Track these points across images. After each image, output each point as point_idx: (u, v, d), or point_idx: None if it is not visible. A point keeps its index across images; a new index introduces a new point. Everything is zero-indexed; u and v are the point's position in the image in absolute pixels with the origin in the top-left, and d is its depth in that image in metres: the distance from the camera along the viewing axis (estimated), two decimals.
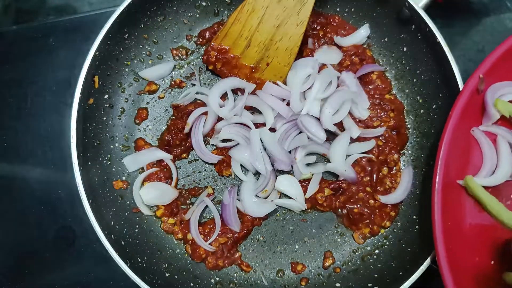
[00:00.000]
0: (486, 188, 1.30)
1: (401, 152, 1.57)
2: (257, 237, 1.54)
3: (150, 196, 1.50)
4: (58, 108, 1.67)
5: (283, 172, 1.54)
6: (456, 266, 1.18)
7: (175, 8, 1.60)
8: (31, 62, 1.72)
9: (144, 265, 1.42)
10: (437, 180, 1.22)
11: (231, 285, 1.50)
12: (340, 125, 1.55)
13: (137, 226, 1.50)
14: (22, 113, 1.68)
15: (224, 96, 1.57)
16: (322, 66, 1.59)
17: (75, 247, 1.60)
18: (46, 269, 1.59)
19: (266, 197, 1.52)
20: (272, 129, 1.54)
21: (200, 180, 1.56)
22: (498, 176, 1.32)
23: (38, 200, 1.62)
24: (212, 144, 1.57)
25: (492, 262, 1.27)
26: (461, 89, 1.35)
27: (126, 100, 1.57)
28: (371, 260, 1.50)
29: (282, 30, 1.50)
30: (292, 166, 1.52)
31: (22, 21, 1.79)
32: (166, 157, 1.52)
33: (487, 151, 1.33)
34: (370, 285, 1.42)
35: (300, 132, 1.51)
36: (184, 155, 1.57)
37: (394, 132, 1.55)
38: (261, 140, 1.51)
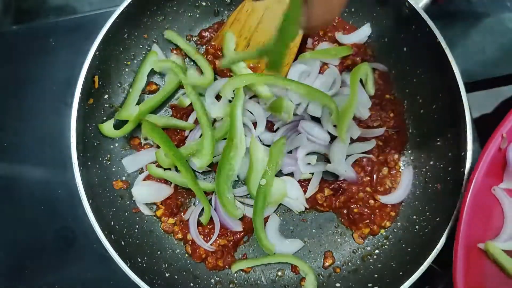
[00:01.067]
0: (508, 252, 1.25)
1: (401, 152, 1.57)
2: None
3: (143, 194, 1.50)
4: (58, 108, 1.67)
5: (282, 173, 1.54)
6: None
7: (175, 8, 1.60)
8: (31, 62, 1.72)
9: (144, 265, 1.42)
10: (459, 244, 1.20)
11: (231, 285, 1.50)
12: None
13: (137, 226, 1.50)
14: (22, 113, 1.68)
15: None
16: (323, 66, 1.59)
17: (75, 247, 1.59)
18: (46, 269, 1.59)
19: None
20: (274, 130, 1.55)
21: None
22: None
23: (38, 200, 1.62)
24: None
25: None
26: (461, 89, 1.35)
27: (125, 100, 1.57)
28: (371, 260, 1.50)
29: None
30: None
31: (22, 21, 1.79)
32: None
33: (509, 212, 1.28)
34: (370, 285, 1.42)
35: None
36: None
37: (394, 132, 1.55)
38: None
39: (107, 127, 1.49)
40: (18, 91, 1.70)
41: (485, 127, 1.86)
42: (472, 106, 1.45)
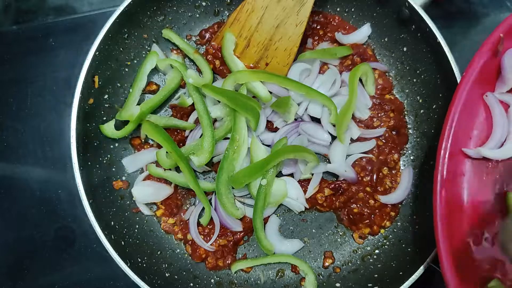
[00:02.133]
0: (489, 160, 1.24)
1: (401, 152, 1.57)
2: None
3: (143, 194, 1.50)
4: (58, 108, 1.67)
5: (282, 174, 1.54)
6: (450, 239, 1.15)
7: (175, 8, 1.60)
8: (31, 62, 1.72)
9: (144, 265, 1.42)
10: (443, 145, 1.17)
11: (231, 285, 1.50)
12: None
13: (137, 226, 1.50)
14: (22, 113, 1.68)
15: None
16: (323, 66, 1.59)
17: (75, 247, 1.60)
18: (46, 269, 1.59)
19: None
20: (274, 129, 1.55)
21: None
22: (507, 149, 1.24)
23: (38, 200, 1.62)
24: None
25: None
26: None
27: (125, 99, 1.57)
28: (371, 260, 1.50)
29: (281, 30, 1.50)
30: None
31: (22, 21, 1.79)
32: None
33: (499, 120, 1.25)
34: (370, 285, 1.42)
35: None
36: None
37: (394, 132, 1.55)
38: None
39: (109, 128, 1.49)
40: (18, 91, 1.70)
41: None
42: None
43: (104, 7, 1.77)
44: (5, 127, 1.68)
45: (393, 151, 1.54)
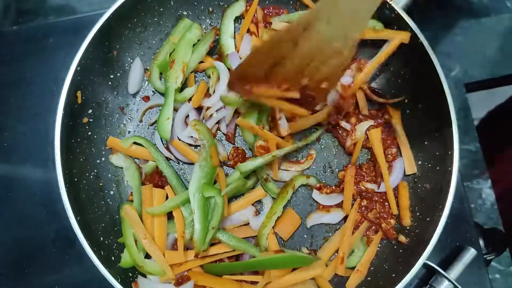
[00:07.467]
0: None
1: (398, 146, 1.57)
2: None
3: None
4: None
5: None
6: None
7: (156, 19, 1.59)
8: (31, 62, 1.74)
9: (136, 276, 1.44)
10: None
11: None
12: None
13: None
14: (22, 113, 1.71)
15: None
16: None
17: (75, 247, 1.62)
18: (46, 269, 1.62)
19: None
20: None
21: None
22: None
23: (38, 200, 1.65)
24: None
25: None
26: (445, 88, 1.35)
27: (109, 114, 1.58)
28: None
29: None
30: None
31: (22, 21, 1.82)
32: None
33: None
34: None
35: None
36: None
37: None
38: None
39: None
40: (18, 91, 1.73)
41: (485, 127, 1.84)
42: (472, 106, 1.43)
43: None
44: (5, 127, 1.71)
45: (392, 146, 1.56)
